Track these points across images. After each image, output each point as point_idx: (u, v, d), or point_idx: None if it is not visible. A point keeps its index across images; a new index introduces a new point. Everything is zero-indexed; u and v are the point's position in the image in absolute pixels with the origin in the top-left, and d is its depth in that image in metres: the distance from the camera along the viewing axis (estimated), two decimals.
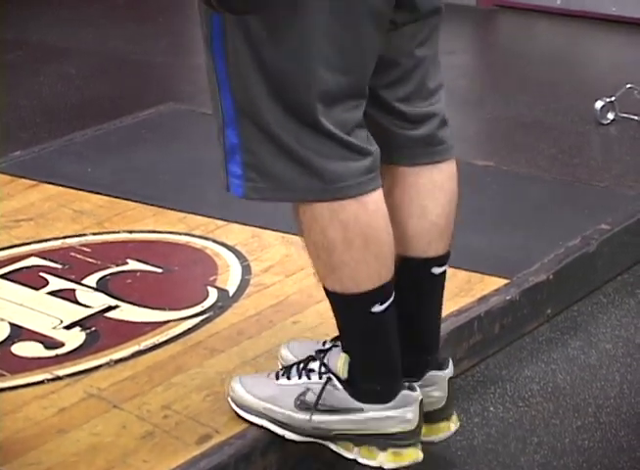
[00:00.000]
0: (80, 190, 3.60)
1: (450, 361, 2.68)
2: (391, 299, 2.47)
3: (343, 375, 2.51)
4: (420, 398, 2.53)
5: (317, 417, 2.53)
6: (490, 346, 3.08)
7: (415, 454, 2.54)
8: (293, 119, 2.37)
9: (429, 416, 2.62)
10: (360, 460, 2.54)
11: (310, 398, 2.53)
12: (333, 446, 2.56)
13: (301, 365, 2.58)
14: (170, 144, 3.93)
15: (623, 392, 2.98)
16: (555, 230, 3.43)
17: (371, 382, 2.52)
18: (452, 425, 2.68)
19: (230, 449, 2.54)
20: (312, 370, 2.56)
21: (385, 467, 2.53)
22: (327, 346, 2.60)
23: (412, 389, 2.54)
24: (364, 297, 2.45)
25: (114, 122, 4.09)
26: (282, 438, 2.58)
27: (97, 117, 4.16)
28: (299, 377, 2.57)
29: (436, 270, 2.61)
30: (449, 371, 2.66)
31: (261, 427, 2.58)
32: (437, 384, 2.64)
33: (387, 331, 2.50)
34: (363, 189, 2.41)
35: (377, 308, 2.46)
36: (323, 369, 2.54)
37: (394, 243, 2.51)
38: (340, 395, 2.52)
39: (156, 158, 3.83)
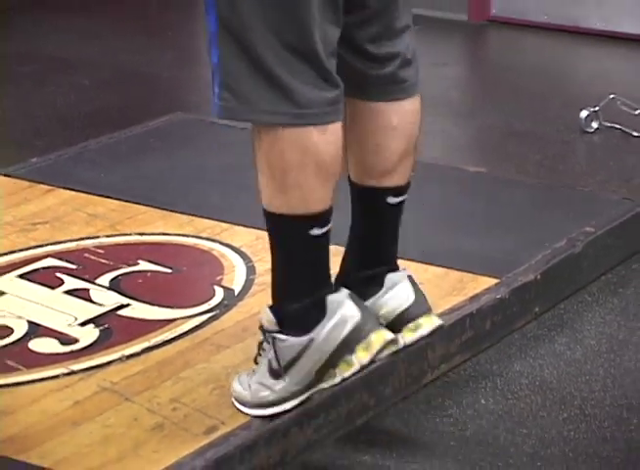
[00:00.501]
0: (94, 195, 3.59)
1: (403, 267, 2.71)
2: (329, 226, 2.50)
3: (273, 325, 2.54)
4: (347, 294, 2.55)
5: (290, 375, 2.54)
6: (482, 342, 3.07)
7: (382, 336, 2.57)
8: (278, 38, 2.37)
9: (406, 314, 2.65)
10: (346, 375, 2.56)
11: (274, 364, 2.54)
12: (323, 385, 2.57)
13: (258, 350, 2.62)
14: (178, 151, 3.92)
15: (607, 385, 2.98)
16: (542, 232, 3.43)
17: (304, 303, 2.53)
18: (434, 319, 2.70)
19: (236, 440, 2.54)
20: (262, 346, 2.59)
21: (363, 363, 2.55)
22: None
23: (334, 292, 2.55)
24: (307, 220, 2.47)
25: (124, 131, 4.08)
26: (282, 414, 2.57)
27: (109, 126, 4.16)
28: (262, 357, 2.59)
29: (392, 200, 2.65)
30: (404, 271, 2.69)
31: (261, 416, 2.58)
32: (400, 282, 2.67)
33: (321, 255, 2.53)
34: (327, 119, 2.43)
35: (316, 232, 2.48)
36: (266, 335, 2.57)
37: (352, 172, 2.58)
38: (288, 342, 2.53)
39: (164, 164, 3.83)
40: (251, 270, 3.20)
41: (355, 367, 2.54)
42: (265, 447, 2.57)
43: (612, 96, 4.47)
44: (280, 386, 2.55)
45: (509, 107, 4.70)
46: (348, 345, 2.53)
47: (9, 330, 2.92)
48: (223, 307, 3.03)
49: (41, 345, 2.87)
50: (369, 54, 2.55)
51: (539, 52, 5.29)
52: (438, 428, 2.78)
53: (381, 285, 2.67)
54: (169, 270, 3.21)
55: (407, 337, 2.65)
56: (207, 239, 3.36)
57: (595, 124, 4.42)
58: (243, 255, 3.27)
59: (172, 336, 2.91)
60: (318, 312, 2.52)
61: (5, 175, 3.71)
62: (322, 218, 2.48)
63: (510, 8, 5.46)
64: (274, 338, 2.54)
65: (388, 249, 2.71)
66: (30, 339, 2.89)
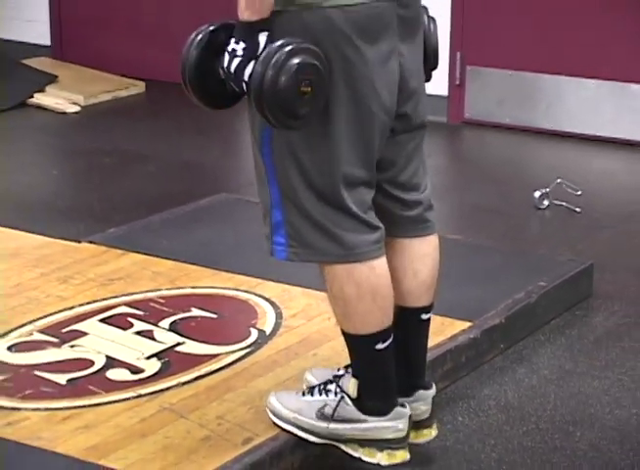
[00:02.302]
0: (157, 257, 3.59)
1: (434, 384, 2.65)
2: (391, 339, 2.46)
3: (353, 395, 2.49)
4: (409, 413, 2.51)
5: (332, 426, 2.52)
6: (458, 372, 3.07)
7: (404, 455, 2.53)
8: (323, 202, 2.38)
9: (416, 424, 2.60)
10: (364, 458, 2.53)
11: (328, 411, 2.51)
12: (343, 447, 2.54)
13: (322, 386, 2.57)
14: (222, 224, 3.92)
15: (556, 406, 2.97)
16: (506, 286, 3.42)
17: (373, 400, 2.50)
18: (432, 432, 2.66)
19: (266, 448, 2.54)
20: (329, 390, 2.55)
21: (381, 464, 2.52)
22: (341, 372, 2.59)
23: (403, 406, 2.52)
24: (371, 337, 2.44)
25: (181, 208, 4.09)
26: (306, 441, 2.56)
27: (169, 204, 4.18)
28: (320, 395, 2.56)
29: (424, 316, 2.61)
30: (433, 391, 2.64)
31: (290, 432, 2.57)
32: (424, 400, 2.62)
33: (386, 363, 2.48)
34: (372, 255, 2.41)
35: (380, 346, 2.45)
36: (338, 390, 2.53)
37: (394, 296, 2.49)
38: (349, 409, 2.50)
39: (212, 234, 3.82)
40: (279, 316, 3.19)
41: (374, 461, 2.53)
42: (290, 455, 2.57)
43: (558, 180, 4.48)
44: (319, 425, 2.53)
45: (479, 188, 4.70)
46: (383, 444, 2.50)
47: (91, 362, 2.92)
48: (257, 345, 3.02)
49: (116, 374, 2.87)
50: (401, 200, 2.52)
51: (502, 147, 5.31)
52: None
53: (411, 394, 2.60)
54: (215, 316, 3.21)
55: (414, 439, 2.61)
56: (245, 291, 3.35)
57: (546, 202, 4.41)
58: (272, 303, 3.26)
59: (217, 367, 2.90)
60: (383, 411, 2.49)
61: (90, 242, 3.71)
62: (383, 336, 2.45)
63: (480, 112, 5.49)
64: (343, 398, 2.51)
65: (419, 364, 2.64)
66: (107, 369, 2.89)
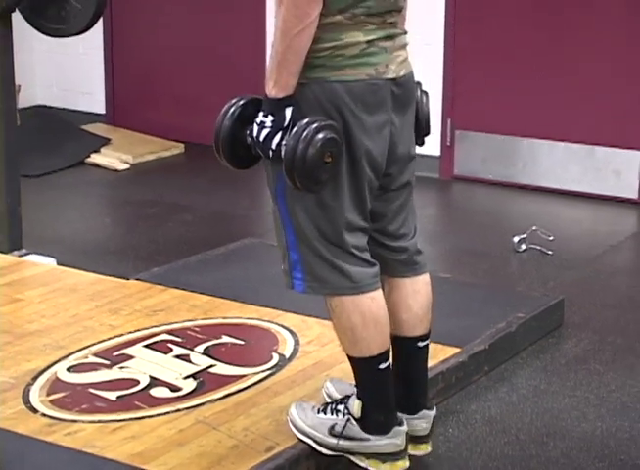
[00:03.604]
0: (194, 292, 3.58)
1: (435, 407, 2.64)
2: (390, 360, 2.46)
3: (357, 415, 2.48)
4: (406, 430, 2.50)
5: (341, 442, 2.51)
6: (449, 390, 3.06)
7: (404, 464, 2.52)
8: (331, 245, 2.38)
9: (416, 439, 2.60)
10: (370, 468, 2.51)
11: (337, 429, 2.50)
12: (352, 458, 2.53)
13: (333, 406, 2.56)
14: (249, 264, 3.92)
15: (533, 419, 2.96)
16: (489, 317, 3.41)
17: (375, 416, 2.48)
18: (428, 447, 2.65)
19: (286, 456, 2.53)
20: (339, 411, 2.54)
21: None
22: (351, 391, 2.56)
23: (401, 424, 2.51)
24: (374, 359, 2.44)
25: (214, 250, 4.09)
26: (319, 452, 2.55)
27: (203, 247, 4.18)
28: (331, 414, 2.55)
29: (420, 344, 2.60)
30: (434, 412, 2.63)
31: (306, 443, 2.56)
32: (425, 419, 2.61)
33: (387, 381, 2.48)
34: (372, 287, 2.43)
35: (382, 366, 2.44)
36: (346, 411, 2.52)
37: (392, 327, 2.49)
38: (355, 429, 2.50)
39: (239, 272, 3.82)
40: (297, 342, 3.18)
41: None
42: (306, 461, 2.56)
43: (534, 228, 4.47)
44: (330, 441, 2.52)
45: (466, 234, 4.70)
46: (385, 457, 2.49)
47: (137, 382, 2.92)
48: (278, 367, 3.02)
49: (158, 391, 2.87)
50: (390, 247, 2.53)
51: (486, 199, 5.30)
52: None
53: (415, 413, 2.59)
54: (242, 342, 3.20)
55: (412, 450, 2.60)
56: (268, 321, 3.34)
57: (523, 246, 4.40)
58: (291, 332, 3.26)
59: (244, 386, 2.90)
60: (384, 429, 2.48)
61: (137, 279, 3.72)
62: (384, 356, 2.45)
63: (467, 170, 5.49)
64: (350, 419, 2.49)
65: (422, 382, 2.64)
66: (151, 388, 2.88)
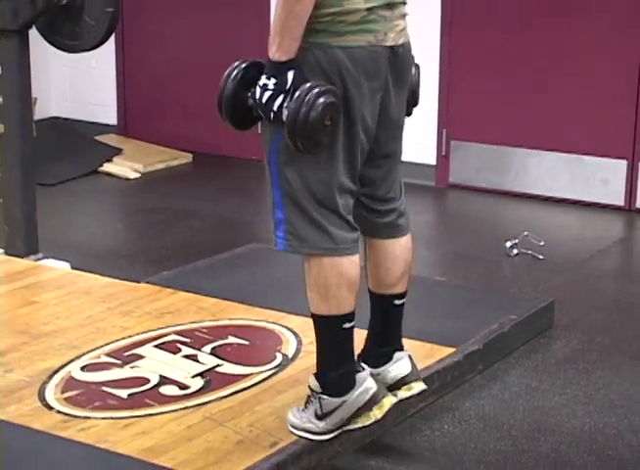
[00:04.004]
0: (201, 295, 3.58)
1: (406, 348, 2.65)
2: (354, 321, 2.46)
3: (318, 389, 2.49)
4: (368, 373, 2.51)
5: (328, 420, 2.51)
6: (445, 388, 3.05)
7: (389, 401, 2.53)
8: (319, 206, 2.38)
9: (403, 380, 2.60)
10: (366, 423, 2.51)
11: (318, 412, 2.52)
12: (348, 428, 2.52)
13: (308, 397, 2.58)
14: (254, 268, 3.92)
15: (524, 416, 2.96)
16: (483, 319, 3.40)
17: (334, 374, 2.47)
18: (421, 383, 2.65)
19: (289, 451, 2.53)
20: (310, 399, 2.55)
21: (378, 417, 2.50)
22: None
23: (360, 371, 2.51)
24: (342, 318, 2.44)
25: (220, 255, 4.09)
26: (320, 442, 2.54)
27: (211, 252, 4.18)
28: (310, 404, 2.56)
29: (397, 301, 2.62)
30: (406, 351, 2.64)
31: (306, 438, 2.56)
32: (402, 359, 2.62)
33: (348, 339, 2.48)
34: (352, 251, 2.44)
35: (347, 325, 2.45)
36: (313, 394, 2.53)
37: (371, 285, 2.56)
38: (329, 401, 2.50)
39: (245, 276, 3.82)
40: (299, 342, 3.18)
41: (372, 420, 2.51)
42: (308, 456, 2.56)
43: (525, 233, 4.47)
44: (321, 425, 2.53)
45: (461, 239, 4.70)
46: (368, 405, 2.49)
47: (147, 380, 2.92)
48: (281, 366, 3.02)
49: (167, 390, 2.87)
50: (377, 210, 2.55)
51: (480, 206, 5.30)
52: (418, 443, 2.77)
53: (390, 359, 2.62)
54: (247, 342, 3.20)
55: (402, 394, 2.62)
56: (272, 323, 3.34)
57: (515, 251, 4.40)
58: (294, 332, 3.26)
59: (249, 384, 2.90)
60: (349, 383, 2.48)
61: (147, 283, 3.71)
62: (350, 316, 2.46)
63: (461, 178, 5.49)
64: (320, 397, 2.50)
65: (395, 334, 2.66)
66: (160, 386, 2.88)
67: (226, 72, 2.38)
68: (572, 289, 4.05)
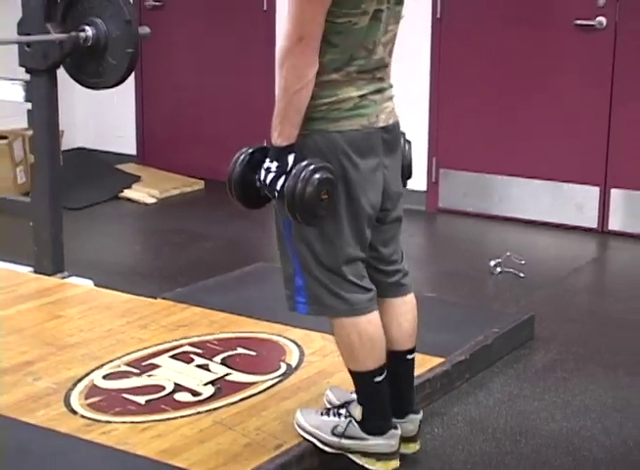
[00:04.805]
0: (212, 309, 3.58)
1: (421, 411, 2.64)
2: (385, 373, 2.46)
3: (359, 418, 2.48)
4: (399, 433, 2.50)
5: (343, 441, 2.51)
6: (435, 395, 3.06)
7: (396, 463, 2.52)
8: (331, 274, 2.39)
9: (406, 439, 2.59)
10: (366, 465, 2.51)
11: (339, 430, 2.50)
12: (351, 456, 2.53)
13: (335, 410, 2.56)
14: (261, 285, 3.92)
15: (507, 420, 2.96)
16: (469, 331, 3.41)
17: (373, 422, 2.48)
18: (417, 446, 2.65)
19: (293, 453, 2.53)
20: (341, 414, 2.54)
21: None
22: (353, 396, 2.57)
23: (396, 428, 2.51)
24: (370, 373, 2.43)
25: (230, 273, 4.10)
26: (322, 450, 2.55)
27: (221, 270, 4.18)
28: (334, 416, 2.54)
29: (409, 356, 2.61)
30: (420, 416, 2.63)
31: (311, 442, 2.56)
32: (413, 422, 2.61)
33: (382, 392, 2.48)
34: (368, 310, 2.43)
35: (377, 379, 2.45)
36: (347, 414, 2.52)
37: (385, 342, 2.49)
38: (355, 429, 2.50)
39: (252, 293, 3.83)
40: (302, 353, 3.18)
41: (374, 468, 2.51)
42: (310, 458, 2.56)
43: (508, 253, 4.48)
44: (333, 440, 2.52)
45: (449, 259, 4.70)
46: (380, 456, 2.49)
47: (162, 388, 2.92)
48: (285, 375, 3.02)
49: (181, 396, 2.87)
50: (384, 271, 2.55)
51: (467, 228, 5.30)
52: None
53: (403, 417, 2.59)
54: (255, 353, 3.20)
55: (403, 449, 2.60)
56: (277, 335, 3.35)
57: (499, 269, 4.41)
58: (297, 344, 3.26)
59: (256, 391, 2.90)
60: (381, 431, 2.48)
61: (163, 298, 3.72)
62: (380, 371, 2.45)
63: (449, 202, 5.50)
64: (351, 421, 2.49)
65: (409, 396, 2.63)
66: (175, 393, 2.89)
67: (234, 157, 2.40)
68: (551, 304, 4.05)
